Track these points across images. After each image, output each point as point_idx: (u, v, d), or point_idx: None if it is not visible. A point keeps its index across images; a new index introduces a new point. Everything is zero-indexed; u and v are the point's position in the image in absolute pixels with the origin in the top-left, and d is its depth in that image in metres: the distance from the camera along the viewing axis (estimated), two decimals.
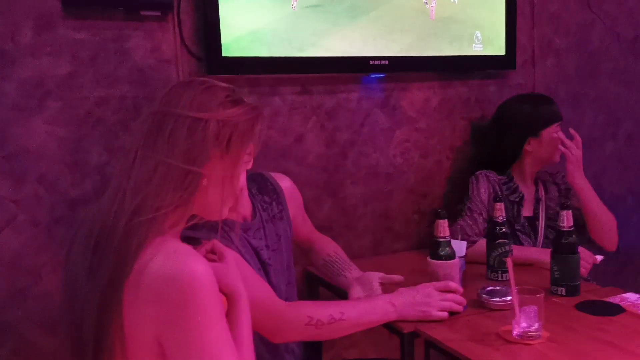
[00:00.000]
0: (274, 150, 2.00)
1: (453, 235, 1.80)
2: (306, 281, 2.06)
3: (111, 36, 1.77)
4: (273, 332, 1.39)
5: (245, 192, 1.56)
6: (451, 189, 2.32)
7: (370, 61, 2.06)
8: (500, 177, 2.10)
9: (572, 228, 1.60)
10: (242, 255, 1.47)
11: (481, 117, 2.35)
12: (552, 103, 2.09)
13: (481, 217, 2.03)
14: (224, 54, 1.83)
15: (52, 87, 1.70)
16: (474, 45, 2.25)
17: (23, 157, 1.68)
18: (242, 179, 1.17)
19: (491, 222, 1.81)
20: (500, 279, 1.77)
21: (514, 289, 1.35)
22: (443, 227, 1.55)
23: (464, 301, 1.52)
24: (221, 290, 1.11)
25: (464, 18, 2.21)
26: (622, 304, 1.53)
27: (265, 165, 1.95)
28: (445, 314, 1.47)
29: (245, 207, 1.56)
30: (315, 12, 1.96)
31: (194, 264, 0.96)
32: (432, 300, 1.47)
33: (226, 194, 1.10)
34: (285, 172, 1.99)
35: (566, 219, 1.60)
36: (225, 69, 1.86)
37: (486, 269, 1.81)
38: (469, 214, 2.03)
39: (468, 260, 1.80)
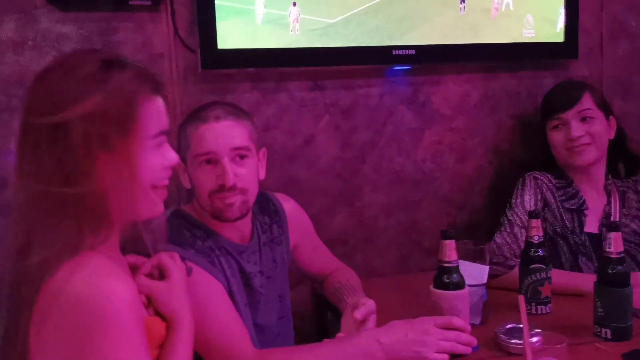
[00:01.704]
0: (280, 153, 1.79)
1: (488, 255, 1.51)
2: (314, 305, 1.83)
3: (98, 29, 1.63)
4: None
5: (251, 211, 1.40)
6: (495, 199, 1.98)
7: (394, 51, 1.78)
8: (556, 180, 1.74)
9: (622, 255, 1.25)
10: (229, 283, 1.31)
11: (534, 114, 1.99)
12: (561, 92, 1.72)
13: (524, 232, 1.69)
14: (219, 46, 1.65)
15: None
16: (524, 30, 1.91)
17: (3, 160, 1.58)
18: (148, 165, 0.91)
19: (526, 243, 1.48)
20: (534, 312, 1.44)
21: (527, 333, 1.04)
22: (449, 250, 1.26)
23: (474, 341, 1.22)
24: (161, 314, 0.97)
25: None
26: None
27: (270, 170, 1.74)
28: (444, 357, 1.18)
29: (245, 226, 1.40)
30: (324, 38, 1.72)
31: (109, 284, 0.82)
32: (428, 338, 1.19)
33: (137, 193, 0.91)
34: (293, 178, 1.80)
35: (614, 243, 1.25)
36: (222, 63, 1.67)
37: None
38: (508, 228, 1.68)
39: (503, 287, 1.50)
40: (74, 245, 0.84)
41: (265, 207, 1.48)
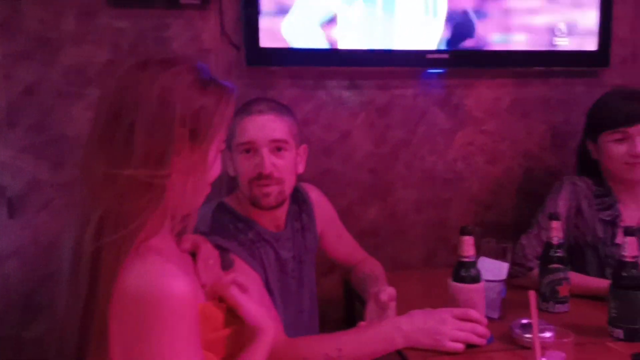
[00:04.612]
0: (316, 146, 1.89)
1: (510, 255, 1.56)
2: (344, 292, 1.92)
3: (151, 25, 1.76)
4: None
5: (288, 201, 1.50)
6: (523, 201, 2.04)
7: (427, 55, 1.86)
8: (595, 187, 1.71)
9: (636, 259, 1.31)
10: (266, 273, 1.42)
11: (564, 120, 2.04)
12: (627, 104, 1.64)
13: None
14: (262, 45, 1.75)
15: (93, 74, 1.73)
16: (556, 38, 1.96)
17: (62, 142, 1.73)
18: (214, 165, 1.03)
19: (546, 244, 1.54)
20: (551, 310, 1.51)
21: (536, 327, 1.12)
22: (467, 245, 1.34)
23: (488, 333, 1.30)
24: (247, 322, 1.05)
25: (545, 6, 1.93)
26: None
27: (307, 162, 1.84)
28: (459, 346, 1.26)
29: (281, 214, 1.50)
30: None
31: (169, 282, 0.88)
32: (445, 328, 1.27)
33: (196, 186, 0.99)
34: (328, 171, 1.91)
35: (629, 247, 1.31)
36: (264, 60, 1.78)
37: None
38: (535, 230, 1.70)
39: (525, 286, 1.55)
40: (142, 226, 0.91)
41: (294, 197, 1.56)
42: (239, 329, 1.06)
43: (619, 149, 1.65)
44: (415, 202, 1.99)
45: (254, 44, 1.74)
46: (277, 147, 1.40)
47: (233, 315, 1.07)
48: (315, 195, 1.63)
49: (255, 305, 1.05)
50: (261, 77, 1.85)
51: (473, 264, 1.34)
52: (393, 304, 1.39)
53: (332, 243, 1.67)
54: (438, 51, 1.86)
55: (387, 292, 1.38)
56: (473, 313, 1.30)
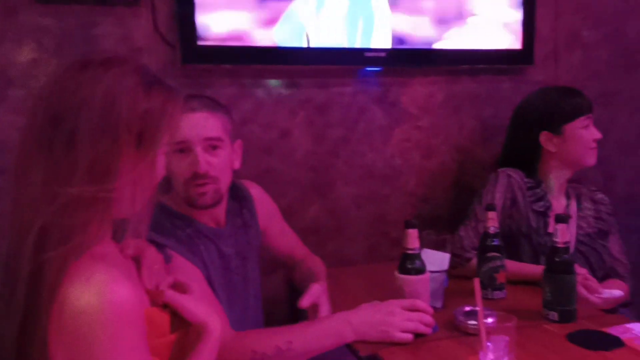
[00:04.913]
0: (256, 145, 1.87)
1: (449, 246, 1.61)
2: (287, 291, 1.92)
3: (78, 22, 1.68)
4: None
5: (226, 198, 1.47)
6: (457, 194, 2.12)
7: (365, 53, 1.89)
8: (527, 179, 1.79)
9: (567, 245, 1.39)
10: (207, 270, 1.38)
11: (492, 115, 2.14)
12: (578, 95, 1.79)
13: None
14: (199, 43, 1.72)
15: (15, 75, 1.64)
16: (484, 37, 2.04)
17: None
18: (161, 168, 0.99)
19: (483, 233, 1.61)
20: (490, 297, 1.57)
21: (481, 313, 1.16)
22: (412, 238, 1.38)
23: (433, 322, 1.34)
24: (192, 322, 1.01)
25: (473, 7, 2.01)
26: (622, 336, 1.31)
27: (246, 161, 1.82)
28: (409, 336, 1.30)
29: (221, 211, 1.47)
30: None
31: (113, 288, 0.85)
32: (394, 319, 1.30)
33: (143, 193, 0.96)
34: (268, 170, 1.89)
35: (560, 234, 1.39)
36: (201, 59, 1.74)
37: None
38: (473, 222, 1.75)
39: (463, 276, 1.61)
40: (87, 238, 0.87)
41: (234, 194, 1.54)
42: (186, 333, 1.04)
43: (587, 135, 1.76)
44: (355, 198, 2.01)
45: (191, 41, 1.70)
46: (212, 145, 1.36)
47: (180, 320, 1.05)
48: (256, 191, 1.61)
49: (198, 303, 1.02)
50: (197, 76, 1.81)
51: (418, 256, 1.37)
52: (324, 299, 1.39)
53: (275, 239, 1.66)
54: (375, 49, 1.89)
55: (306, 299, 1.36)
56: (420, 303, 1.33)
